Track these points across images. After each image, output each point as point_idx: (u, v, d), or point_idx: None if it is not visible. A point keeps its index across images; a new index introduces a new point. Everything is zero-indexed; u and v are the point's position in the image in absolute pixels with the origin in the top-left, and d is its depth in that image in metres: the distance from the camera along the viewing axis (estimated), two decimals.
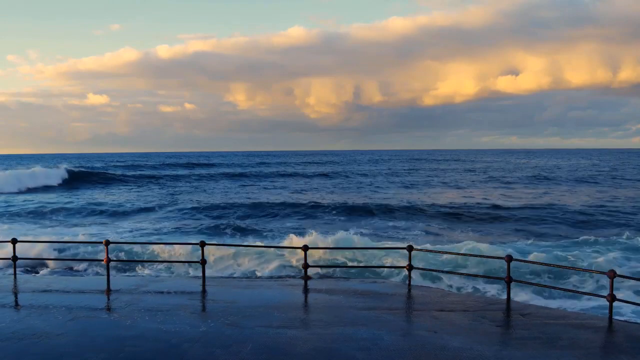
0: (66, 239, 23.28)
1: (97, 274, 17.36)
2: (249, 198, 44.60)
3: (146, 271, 17.36)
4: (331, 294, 10.46)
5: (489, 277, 13.48)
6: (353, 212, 34.37)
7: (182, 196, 46.40)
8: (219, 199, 43.40)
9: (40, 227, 29.65)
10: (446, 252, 15.39)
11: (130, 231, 27.76)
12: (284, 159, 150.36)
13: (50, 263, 18.58)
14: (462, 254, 15.46)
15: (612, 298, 8.56)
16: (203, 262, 11.65)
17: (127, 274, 17.01)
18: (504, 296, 9.91)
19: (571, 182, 59.07)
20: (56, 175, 59.44)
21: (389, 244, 21.95)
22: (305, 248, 11.31)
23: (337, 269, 16.62)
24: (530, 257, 17.39)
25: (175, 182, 63.49)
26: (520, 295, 13.72)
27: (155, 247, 19.99)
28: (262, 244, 19.31)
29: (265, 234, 26.81)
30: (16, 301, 10.24)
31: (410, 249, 11.06)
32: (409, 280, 11.24)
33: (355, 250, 18.70)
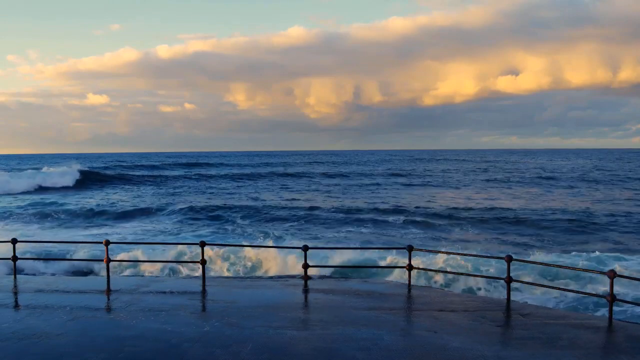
0: (67, 239, 23.29)
1: (97, 274, 17.35)
2: (249, 198, 44.60)
3: (146, 271, 17.36)
4: (331, 294, 10.46)
5: (489, 277, 13.49)
6: (353, 212, 34.36)
7: (182, 197, 46.40)
8: (219, 199, 43.40)
9: (42, 228, 29.67)
10: (446, 252, 15.40)
11: (131, 231, 27.77)
12: (284, 159, 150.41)
13: (50, 263, 18.57)
14: (461, 254, 15.46)
15: (612, 298, 8.56)
16: (203, 262, 11.64)
17: (127, 274, 17.01)
18: (504, 296, 9.90)
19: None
20: (68, 175, 59.72)
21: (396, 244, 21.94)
22: (305, 248, 11.31)
23: (337, 269, 16.60)
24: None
25: (175, 181, 63.50)
26: (520, 296, 13.72)
27: (155, 247, 19.99)
28: (262, 244, 19.32)
29: (265, 233, 26.82)
30: (16, 301, 10.24)
31: (410, 249, 11.06)
32: (409, 280, 11.24)
33: (355, 250, 18.69)
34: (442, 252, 15.68)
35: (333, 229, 28.70)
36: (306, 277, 11.50)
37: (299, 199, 43.11)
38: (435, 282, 15.41)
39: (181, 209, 36.34)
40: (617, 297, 8.71)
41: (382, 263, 17.58)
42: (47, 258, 18.28)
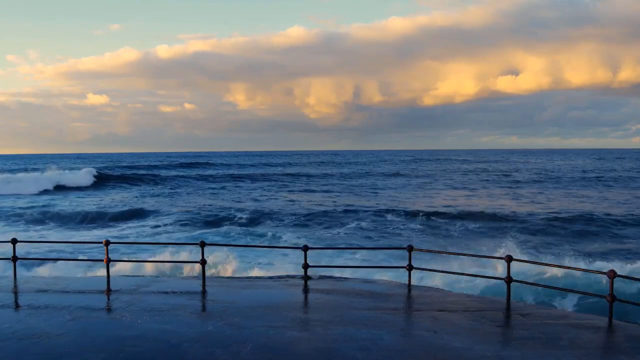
0: (68, 239, 23.31)
1: (97, 274, 17.35)
2: (249, 198, 44.61)
3: (146, 271, 17.35)
4: (331, 294, 10.46)
5: (489, 277, 13.48)
6: (353, 212, 34.38)
7: (181, 197, 46.41)
8: (219, 199, 43.42)
9: (45, 229, 29.68)
10: (445, 252, 15.41)
11: (132, 232, 27.78)
12: (284, 159, 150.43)
13: (50, 263, 18.57)
14: (461, 254, 15.45)
15: (612, 298, 8.55)
16: (203, 262, 11.64)
17: (127, 274, 17.00)
18: (504, 296, 9.90)
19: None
20: (83, 177, 60.03)
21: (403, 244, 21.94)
22: (305, 248, 11.31)
23: (337, 269, 16.59)
24: None
25: (174, 181, 63.50)
26: (520, 296, 13.72)
27: (155, 247, 20.00)
28: (262, 244, 19.33)
29: (265, 233, 26.83)
30: (16, 301, 10.24)
31: (410, 249, 11.06)
32: (409, 280, 11.24)
33: (355, 250, 18.70)
34: (442, 252, 15.68)
35: (333, 228, 28.72)
36: (306, 277, 11.50)
37: (299, 199, 43.13)
38: (436, 283, 15.40)
39: (181, 209, 36.37)
40: (617, 297, 8.71)
41: (382, 263, 17.58)
42: (47, 258, 18.28)
